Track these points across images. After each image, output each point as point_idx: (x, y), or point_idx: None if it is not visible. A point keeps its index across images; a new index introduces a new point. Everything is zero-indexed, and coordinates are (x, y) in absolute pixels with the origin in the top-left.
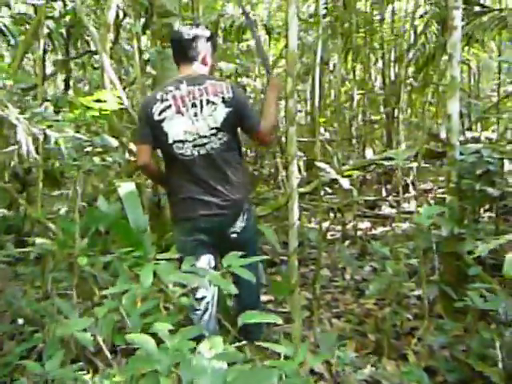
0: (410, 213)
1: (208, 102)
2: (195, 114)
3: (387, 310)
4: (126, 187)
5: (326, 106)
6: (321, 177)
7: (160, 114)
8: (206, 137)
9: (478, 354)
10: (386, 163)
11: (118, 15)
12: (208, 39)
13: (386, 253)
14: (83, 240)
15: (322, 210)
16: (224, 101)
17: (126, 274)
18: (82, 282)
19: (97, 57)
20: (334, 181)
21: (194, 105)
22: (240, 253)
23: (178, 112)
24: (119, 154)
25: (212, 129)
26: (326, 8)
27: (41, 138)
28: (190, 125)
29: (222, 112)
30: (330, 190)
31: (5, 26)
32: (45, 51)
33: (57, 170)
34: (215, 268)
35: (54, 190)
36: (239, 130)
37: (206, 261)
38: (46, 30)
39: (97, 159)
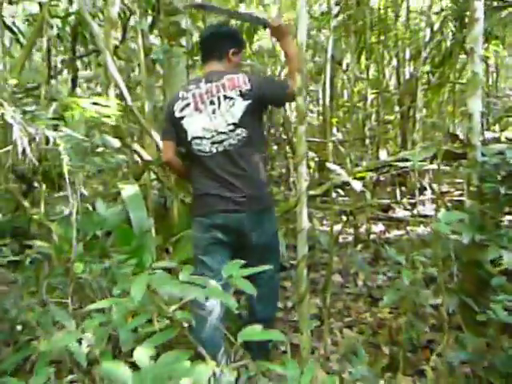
0: (426, 216)
1: (225, 97)
2: (213, 111)
3: (402, 319)
4: (129, 189)
5: (339, 106)
6: (332, 179)
7: (181, 111)
8: (224, 133)
9: (501, 371)
10: (401, 165)
11: (124, 13)
12: (231, 37)
13: (402, 260)
14: (80, 245)
15: (333, 213)
16: (242, 94)
17: (123, 283)
18: (79, 289)
19: None
20: (346, 183)
21: (212, 102)
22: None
23: (197, 109)
24: (122, 155)
25: (230, 125)
26: (338, 4)
27: (37, 138)
28: (208, 122)
29: (240, 106)
30: (342, 192)
31: (13, 24)
32: (49, 50)
33: (54, 172)
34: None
35: (53, 192)
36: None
37: (220, 260)
38: (52, 29)
39: (98, 160)
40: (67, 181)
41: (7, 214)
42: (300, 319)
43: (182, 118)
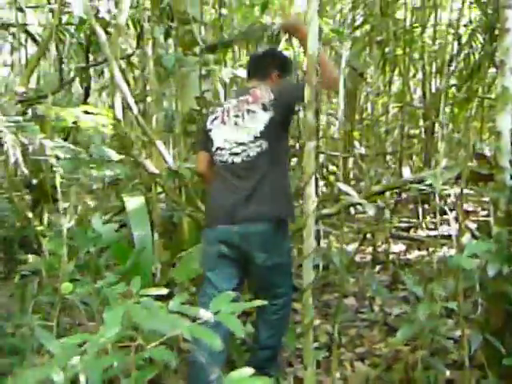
0: (449, 237)
1: (248, 111)
2: (236, 123)
3: (420, 353)
4: (133, 202)
5: (362, 120)
6: (342, 200)
7: (210, 124)
8: (243, 144)
9: None
10: (420, 187)
11: (139, 21)
12: (278, 61)
13: (419, 291)
14: (72, 262)
15: (344, 234)
16: (264, 107)
17: (113, 307)
18: (68, 310)
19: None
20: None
21: (236, 115)
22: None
23: (222, 121)
24: (122, 167)
25: (250, 136)
26: (363, 16)
27: (31, 147)
28: (230, 133)
29: (262, 119)
30: (361, 209)
31: (37, 34)
32: (61, 58)
33: (47, 183)
34: (238, 286)
35: (47, 205)
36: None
37: (226, 278)
38: (65, 37)
39: (95, 172)
40: (59, 194)
41: (15, 225)
42: (304, 352)
43: (210, 130)
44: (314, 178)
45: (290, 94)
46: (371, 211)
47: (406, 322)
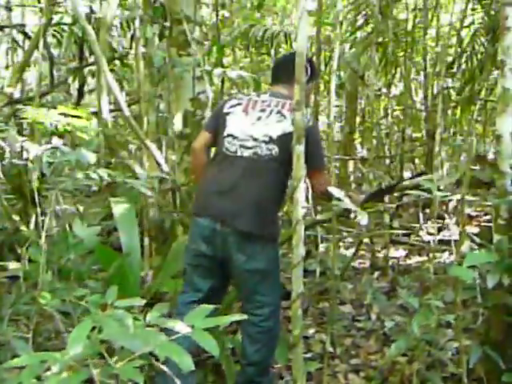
0: (450, 242)
1: (279, 112)
2: (259, 118)
3: (417, 365)
4: (121, 207)
5: (362, 122)
6: (335, 206)
7: (229, 108)
8: (256, 140)
9: None
10: (418, 193)
11: (133, 21)
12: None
13: (414, 303)
14: (53, 270)
15: (340, 240)
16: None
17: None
18: (48, 319)
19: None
20: (350, 211)
21: (262, 110)
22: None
23: (244, 111)
24: (104, 170)
25: (266, 136)
26: (364, 17)
27: (14, 150)
28: (248, 125)
29: (285, 128)
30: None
31: (23, 33)
32: (52, 58)
33: (26, 187)
34: (219, 290)
35: (27, 209)
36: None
37: (205, 274)
38: (57, 37)
39: (80, 176)
40: (36, 198)
41: (7, 229)
42: (294, 366)
43: (228, 113)
44: (303, 182)
45: (311, 153)
46: (363, 220)
47: (401, 333)
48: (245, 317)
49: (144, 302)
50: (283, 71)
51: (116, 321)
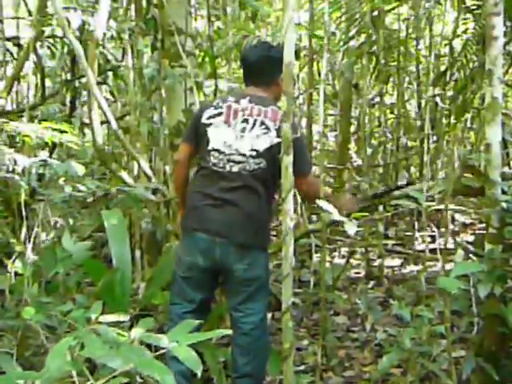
0: (446, 250)
1: (262, 123)
2: (242, 130)
3: (410, 377)
4: (112, 218)
5: (357, 131)
6: (323, 218)
7: (208, 118)
8: (243, 155)
9: None
10: (404, 202)
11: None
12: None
13: (406, 315)
14: (40, 283)
15: (330, 249)
16: (278, 130)
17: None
18: (34, 334)
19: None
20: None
21: (245, 120)
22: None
23: (226, 122)
24: (92, 182)
25: (253, 150)
26: (356, 26)
27: (2, 163)
28: (233, 139)
29: (270, 139)
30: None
31: (18, 46)
32: (43, 70)
33: (13, 199)
34: (210, 301)
35: (14, 222)
36: None
37: (197, 286)
38: (50, 49)
39: (69, 188)
40: (23, 211)
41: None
42: (285, 380)
43: (209, 125)
44: (292, 193)
45: (296, 161)
46: (351, 230)
47: (393, 346)
48: (229, 332)
49: (128, 317)
50: (259, 72)
51: (99, 337)
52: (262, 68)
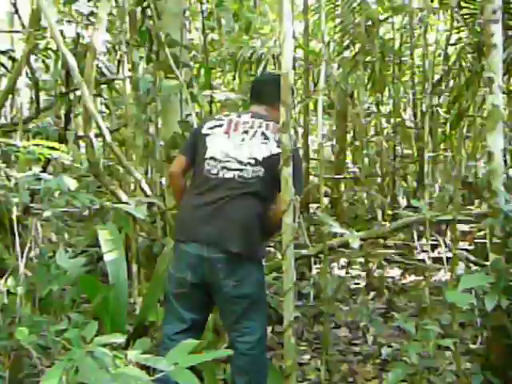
0: (447, 259)
1: (263, 134)
2: (242, 140)
3: None
4: (107, 233)
5: (353, 141)
6: (326, 235)
7: (209, 129)
8: (241, 162)
9: None
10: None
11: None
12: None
13: (411, 328)
14: (33, 303)
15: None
16: (279, 142)
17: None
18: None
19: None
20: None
21: (245, 132)
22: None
23: (226, 133)
24: (88, 197)
25: (252, 159)
26: (350, 37)
27: None
28: (231, 148)
29: (271, 149)
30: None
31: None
32: (37, 83)
33: (5, 215)
34: (203, 319)
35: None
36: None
37: (191, 304)
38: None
39: (62, 203)
40: (15, 227)
41: None
42: None
43: (208, 135)
44: (292, 206)
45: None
46: (355, 244)
47: (398, 361)
48: (230, 352)
49: (124, 339)
50: (265, 93)
51: (94, 359)
52: (267, 90)
